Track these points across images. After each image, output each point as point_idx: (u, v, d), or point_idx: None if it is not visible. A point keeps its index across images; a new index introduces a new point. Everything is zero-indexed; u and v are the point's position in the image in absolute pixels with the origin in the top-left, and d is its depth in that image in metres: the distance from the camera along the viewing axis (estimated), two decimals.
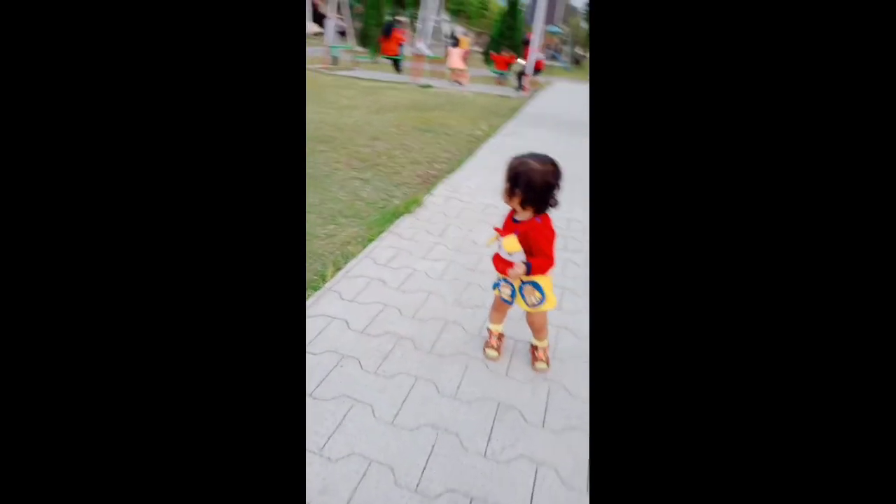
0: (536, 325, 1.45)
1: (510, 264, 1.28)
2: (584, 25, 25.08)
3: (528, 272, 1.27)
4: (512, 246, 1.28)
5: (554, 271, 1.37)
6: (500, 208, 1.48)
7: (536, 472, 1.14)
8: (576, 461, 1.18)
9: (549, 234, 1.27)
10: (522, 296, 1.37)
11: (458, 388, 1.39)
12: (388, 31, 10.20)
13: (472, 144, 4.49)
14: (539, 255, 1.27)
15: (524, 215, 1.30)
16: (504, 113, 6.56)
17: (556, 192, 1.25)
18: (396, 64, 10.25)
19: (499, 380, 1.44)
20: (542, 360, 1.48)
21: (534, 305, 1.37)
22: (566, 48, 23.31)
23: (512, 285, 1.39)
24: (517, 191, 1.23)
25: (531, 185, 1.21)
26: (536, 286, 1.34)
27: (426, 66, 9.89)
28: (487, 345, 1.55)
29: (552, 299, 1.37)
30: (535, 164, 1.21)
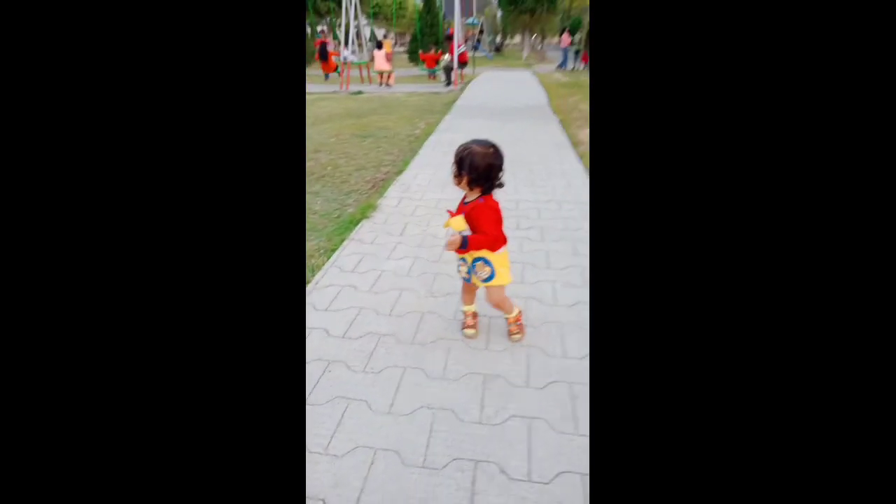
0: (494, 302, 1.56)
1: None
2: (500, 14, 25.81)
3: (465, 245, 1.38)
4: (458, 225, 1.40)
5: (510, 249, 1.49)
6: (453, 200, 1.57)
7: (529, 426, 1.25)
8: (562, 409, 1.30)
9: (490, 213, 1.39)
10: (476, 272, 1.49)
11: (445, 369, 1.48)
12: (324, 54, 10.10)
13: (413, 144, 4.57)
14: (480, 231, 1.39)
15: (473, 196, 1.42)
16: (439, 109, 6.68)
17: (499, 172, 1.38)
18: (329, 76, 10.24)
19: (480, 354, 1.54)
20: (514, 332, 1.60)
21: (485, 280, 1.49)
22: (485, 37, 23.88)
23: (468, 263, 1.50)
24: (463, 173, 1.35)
25: (475, 166, 1.34)
26: (486, 262, 1.46)
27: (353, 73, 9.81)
28: (464, 325, 1.65)
29: (503, 275, 1.48)
30: (477, 148, 1.35)
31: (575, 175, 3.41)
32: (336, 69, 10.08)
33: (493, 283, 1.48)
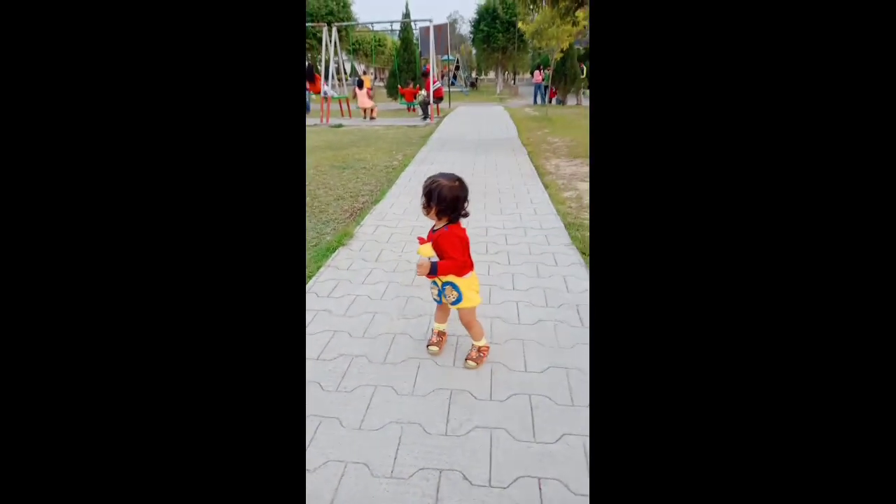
0: (464, 322, 1.67)
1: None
2: (474, 51, 27.16)
3: (435, 271, 1.51)
4: (427, 252, 1.53)
5: (479, 272, 1.61)
6: (426, 227, 1.70)
7: (491, 436, 1.35)
8: (521, 420, 1.41)
9: (455, 240, 1.53)
10: (445, 295, 1.61)
11: (414, 386, 1.57)
12: (310, 76, 10.37)
13: (390, 175, 4.75)
14: (447, 257, 1.53)
15: (440, 225, 1.55)
16: (416, 142, 6.96)
17: (464, 203, 1.53)
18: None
19: (448, 371, 1.64)
20: (472, 358, 1.67)
21: (453, 303, 1.61)
22: (461, 73, 25.00)
23: (438, 287, 1.62)
24: (432, 204, 1.49)
25: (442, 198, 1.48)
26: (454, 286, 1.58)
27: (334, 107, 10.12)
28: (429, 342, 1.76)
29: (470, 297, 1.60)
30: (444, 182, 1.50)
31: (541, 203, 3.63)
32: (320, 92, 10.35)
33: (461, 305, 1.60)
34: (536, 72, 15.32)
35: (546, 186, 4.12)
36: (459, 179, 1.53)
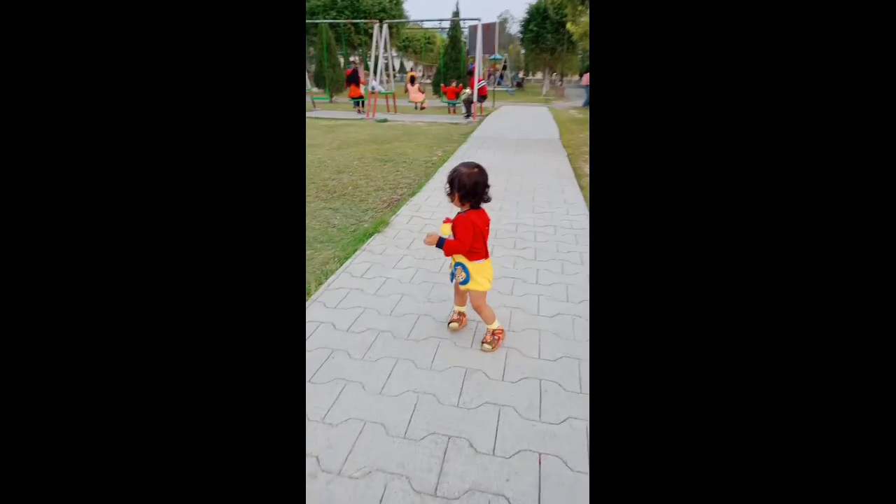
0: (474, 306, 1.78)
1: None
2: (523, 51, 26.90)
3: (441, 245, 1.64)
4: (445, 231, 1.69)
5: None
6: None
7: (499, 412, 1.44)
8: (529, 400, 1.49)
9: (467, 224, 1.64)
10: (456, 275, 1.74)
11: (433, 362, 1.69)
12: (355, 79, 10.84)
13: (429, 169, 4.89)
14: (457, 238, 1.65)
15: (463, 210, 1.67)
16: (456, 139, 7.07)
17: (484, 188, 1.63)
18: (361, 103, 10.92)
19: (465, 352, 1.75)
20: (486, 341, 1.77)
21: (462, 283, 1.73)
22: (508, 73, 24.85)
23: (451, 266, 1.77)
24: (454, 191, 1.62)
25: (462, 184, 1.60)
26: (463, 268, 1.70)
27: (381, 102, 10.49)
28: (451, 320, 1.90)
29: (479, 282, 1.70)
30: (463, 169, 1.62)
31: (574, 204, 3.64)
32: (360, 97, 10.80)
33: (469, 287, 1.72)
34: (587, 74, 14.99)
35: (582, 188, 4.10)
36: (478, 166, 1.64)
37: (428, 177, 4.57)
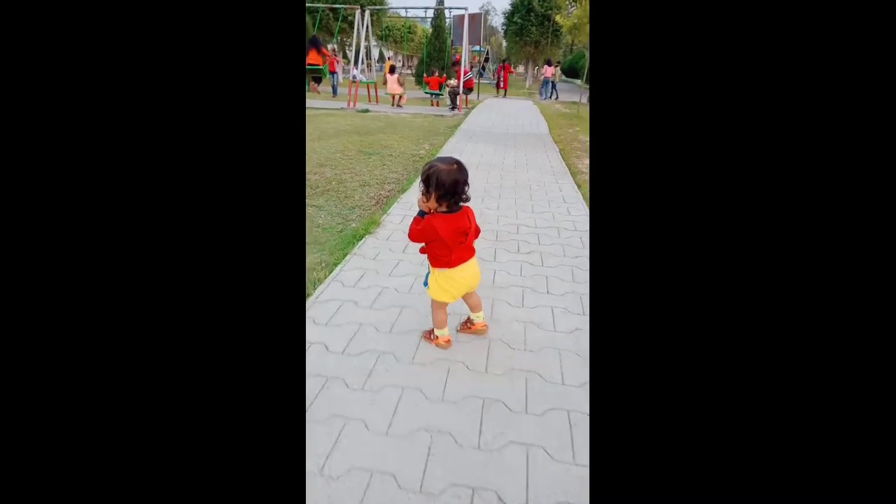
0: (432, 306, 1.66)
1: None
2: (504, 43, 26.71)
3: (422, 215, 1.48)
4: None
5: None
6: None
7: (527, 454, 1.24)
8: (559, 438, 1.30)
9: (425, 227, 1.45)
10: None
11: (444, 391, 1.47)
12: (316, 43, 9.29)
13: (417, 164, 4.63)
14: (410, 229, 1.52)
15: (442, 210, 1.46)
16: (443, 132, 6.82)
17: (464, 186, 1.44)
18: (318, 80, 10.10)
19: (480, 377, 1.54)
20: (426, 338, 1.71)
21: (424, 284, 1.64)
22: (490, 66, 24.58)
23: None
24: (431, 190, 1.41)
25: (441, 182, 1.40)
26: (428, 270, 1.60)
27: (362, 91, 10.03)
28: (460, 327, 1.80)
29: (434, 290, 1.57)
30: (441, 166, 1.41)
31: (574, 202, 3.48)
32: (318, 66, 9.33)
33: (427, 290, 1.60)
34: (547, 66, 14.67)
35: (578, 186, 3.95)
36: (458, 162, 1.45)
37: (416, 172, 4.31)
